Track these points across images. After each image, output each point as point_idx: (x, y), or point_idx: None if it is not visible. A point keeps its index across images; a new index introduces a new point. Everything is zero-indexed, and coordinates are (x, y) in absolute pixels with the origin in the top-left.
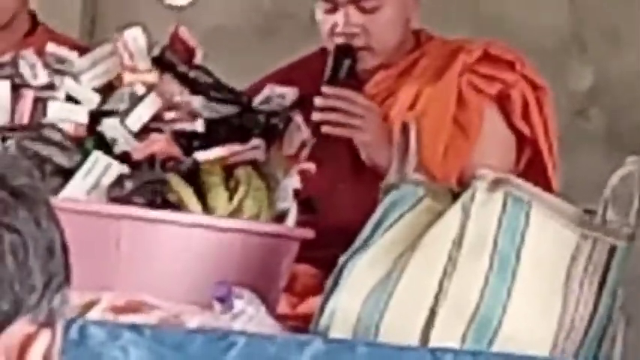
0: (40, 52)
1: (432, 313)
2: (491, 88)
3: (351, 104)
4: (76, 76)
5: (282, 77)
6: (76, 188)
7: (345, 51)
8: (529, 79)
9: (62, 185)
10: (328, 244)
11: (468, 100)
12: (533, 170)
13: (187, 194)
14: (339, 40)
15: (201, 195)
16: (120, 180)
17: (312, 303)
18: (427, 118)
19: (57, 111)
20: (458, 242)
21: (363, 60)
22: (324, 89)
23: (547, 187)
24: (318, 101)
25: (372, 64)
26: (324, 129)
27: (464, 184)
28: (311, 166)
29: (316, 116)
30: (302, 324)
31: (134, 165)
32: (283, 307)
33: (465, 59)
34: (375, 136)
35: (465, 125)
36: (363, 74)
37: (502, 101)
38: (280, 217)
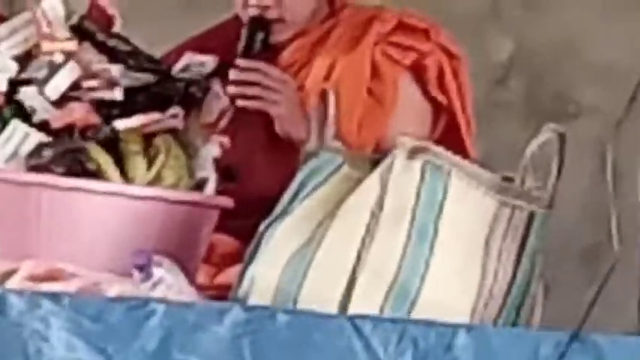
0: None
1: (352, 280)
2: (406, 57)
3: (265, 77)
4: None
5: (198, 45)
6: None
7: (259, 23)
8: (444, 47)
9: None
10: (247, 214)
11: (383, 70)
12: (450, 138)
13: (106, 163)
14: (253, 12)
15: (120, 163)
16: (39, 148)
17: (231, 273)
18: (342, 89)
19: None
20: (377, 210)
21: (277, 32)
22: (239, 62)
23: (464, 155)
24: (232, 74)
25: (286, 36)
26: (239, 102)
27: (383, 151)
28: (225, 140)
29: (231, 89)
30: (221, 294)
31: (53, 133)
32: (202, 277)
33: (380, 29)
34: (289, 109)
35: (380, 95)
36: (277, 46)
37: (417, 70)
38: (199, 186)
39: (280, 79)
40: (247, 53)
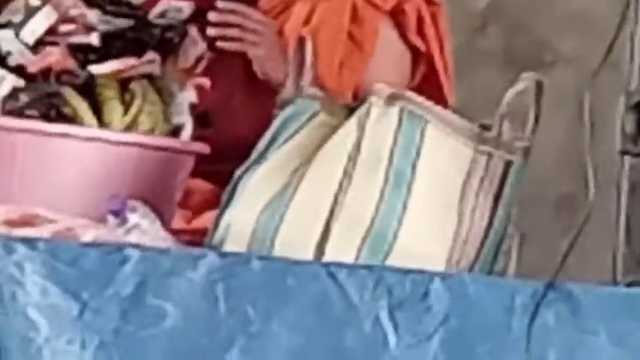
0: None
1: (327, 227)
2: (385, 3)
3: (246, 19)
4: None
5: None
6: None
7: None
8: None
9: None
10: (223, 159)
11: (363, 15)
12: (428, 85)
13: (82, 108)
14: None
15: (97, 109)
16: (14, 93)
17: (207, 217)
18: (322, 34)
19: None
20: (353, 157)
21: None
22: (219, 4)
23: (442, 102)
24: (212, 16)
25: None
26: (219, 44)
27: (359, 99)
28: (205, 81)
29: (211, 31)
30: (197, 238)
31: (29, 78)
32: (178, 221)
33: None
34: (270, 51)
35: (359, 41)
36: None
37: (397, 16)
38: (175, 132)
39: (260, 20)
40: None
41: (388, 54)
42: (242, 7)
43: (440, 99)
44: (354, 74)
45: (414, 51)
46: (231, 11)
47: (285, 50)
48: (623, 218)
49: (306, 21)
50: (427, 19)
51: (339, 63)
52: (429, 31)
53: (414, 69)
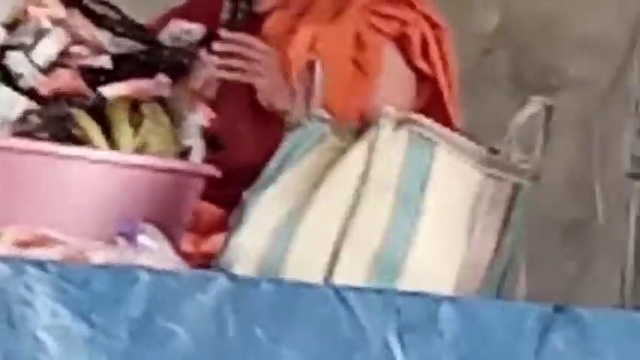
0: None
1: (336, 250)
2: (389, 27)
3: (247, 49)
4: None
5: (182, 15)
6: None
7: None
8: (428, 17)
9: None
10: (232, 183)
11: (367, 40)
12: (434, 108)
13: (93, 130)
14: None
15: (107, 131)
16: (25, 115)
17: (216, 241)
18: (326, 60)
19: None
20: (362, 180)
21: (260, 1)
22: (222, 34)
23: (448, 125)
24: (216, 46)
25: (269, 5)
26: (222, 74)
27: (366, 123)
28: (209, 111)
29: (214, 61)
30: (206, 262)
31: (40, 100)
32: (187, 245)
33: None
34: (273, 81)
35: (363, 66)
36: (261, 16)
37: (401, 40)
38: (185, 154)
39: (262, 50)
40: (231, 24)
41: (393, 78)
42: (245, 37)
43: (445, 122)
44: (358, 99)
45: (419, 74)
46: (235, 41)
47: (289, 79)
48: (632, 241)
49: (310, 46)
50: (432, 43)
51: (343, 89)
52: (434, 54)
53: (419, 92)
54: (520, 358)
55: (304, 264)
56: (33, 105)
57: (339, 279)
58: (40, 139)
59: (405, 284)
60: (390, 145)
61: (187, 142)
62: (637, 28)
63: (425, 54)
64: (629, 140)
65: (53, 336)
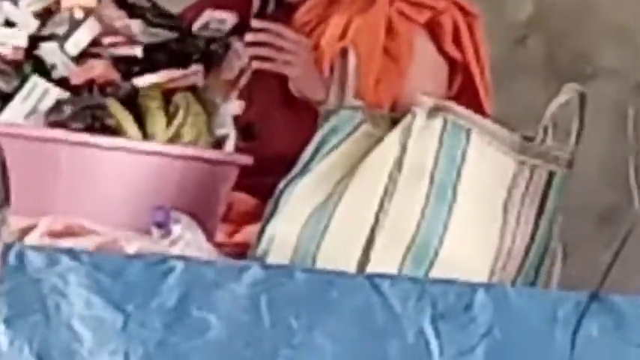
0: None
1: (370, 239)
2: (420, 15)
3: (278, 38)
4: (14, 0)
5: (214, 4)
6: (14, 113)
7: None
8: (459, 5)
9: (0, 109)
10: (266, 172)
11: (398, 28)
12: (466, 95)
13: (126, 119)
14: None
15: (140, 120)
16: (58, 105)
17: (249, 231)
18: (358, 48)
19: None
20: (396, 168)
21: None
22: (254, 23)
23: (480, 112)
24: (248, 36)
25: None
26: (254, 64)
27: (400, 111)
28: (240, 103)
29: (247, 51)
30: (239, 252)
31: (73, 90)
32: (220, 235)
33: None
34: (303, 70)
35: (395, 54)
36: (292, 5)
37: (432, 28)
38: (219, 143)
39: (294, 39)
40: (262, 13)
41: (425, 65)
42: (277, 26)
43: (478, 109)
44: (390, 87)
45: (451, 61)
46: (267, 31)
47: (321, 67)
48: None
49: (342, 35)
50: (464, 30)
51: (375, 77)
52: (466, 41)
53: (451, 80)
54: (555, 346)
55: (338, 252)
56: (66, 95)
57: (374, 267)
58: (73, 129)
59: (440, 272)
60: (424, 133)
61: (221, 132)
62: None
63: (457, 41)
64: None
65: (87, 326)
